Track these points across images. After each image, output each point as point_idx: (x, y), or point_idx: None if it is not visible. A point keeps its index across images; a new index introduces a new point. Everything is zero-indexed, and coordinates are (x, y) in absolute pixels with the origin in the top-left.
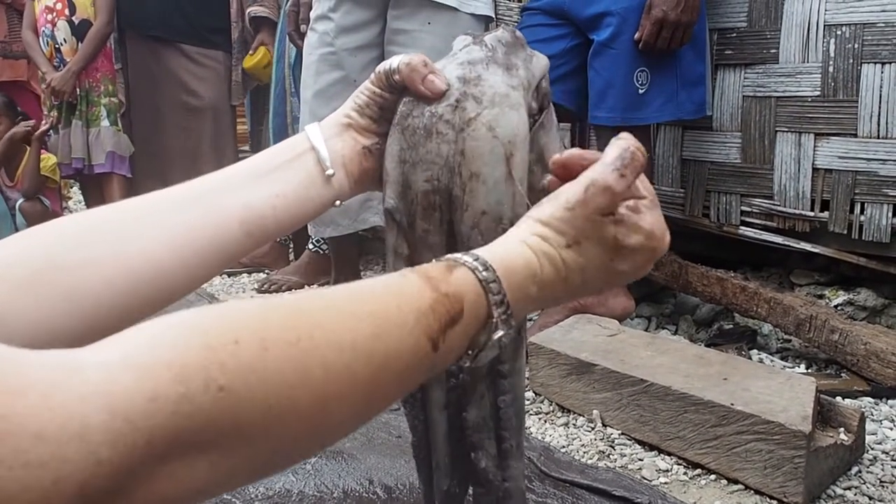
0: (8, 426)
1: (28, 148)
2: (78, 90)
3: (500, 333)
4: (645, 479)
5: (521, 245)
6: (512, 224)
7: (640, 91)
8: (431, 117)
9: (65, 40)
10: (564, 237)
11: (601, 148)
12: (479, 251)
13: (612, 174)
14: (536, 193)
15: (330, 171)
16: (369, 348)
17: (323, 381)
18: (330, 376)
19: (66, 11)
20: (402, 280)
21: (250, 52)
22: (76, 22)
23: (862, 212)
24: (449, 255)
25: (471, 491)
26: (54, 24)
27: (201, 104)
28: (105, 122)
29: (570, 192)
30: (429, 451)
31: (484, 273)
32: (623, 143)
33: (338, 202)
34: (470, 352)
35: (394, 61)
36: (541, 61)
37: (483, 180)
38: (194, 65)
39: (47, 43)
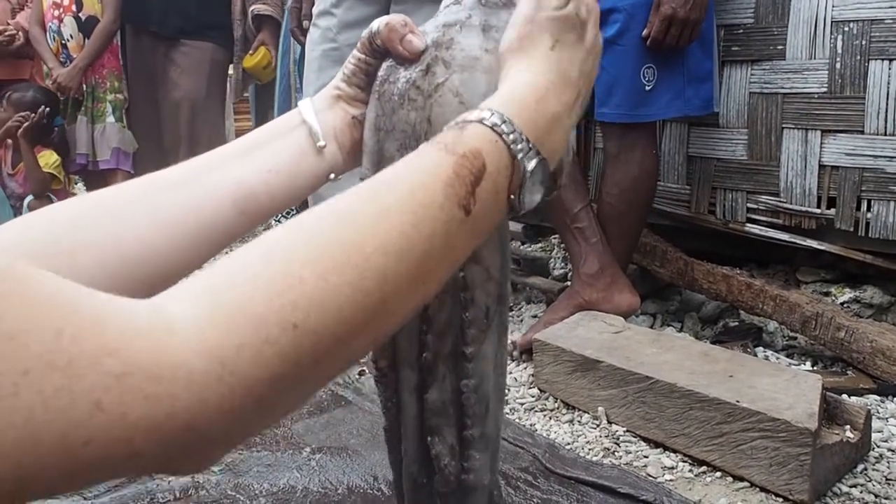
0: (131, 366)
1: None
2: (84, 86)
3: (532, 164)
4: (650, 476)
5: (519, 74)
6: None
7: (647, 88)
8: (406, 83)
9: (71, 36)
10: (542, 43)
11: (608, 146)
12: (483, 103)
13: None
14: None
15: (321, 143)
16: (410, 243)
17: (379, 289)
18: (384, 283)
19: (73, 7)
20: (420, 156)
21: (251, 51)
22: (83, 18)
23: (869, 209)
24: (459, 117)
25: None
26: (61, 20)
27: (179, 95)
28: (111, 119)
29: (520, 10)
30: (399, 436)
31: (492, 119)
32: None
33: (332, 175)
34: (512, 196)
35: (375, 24)
36: None
37: None
38: (179, 55)
39: (53, 38)
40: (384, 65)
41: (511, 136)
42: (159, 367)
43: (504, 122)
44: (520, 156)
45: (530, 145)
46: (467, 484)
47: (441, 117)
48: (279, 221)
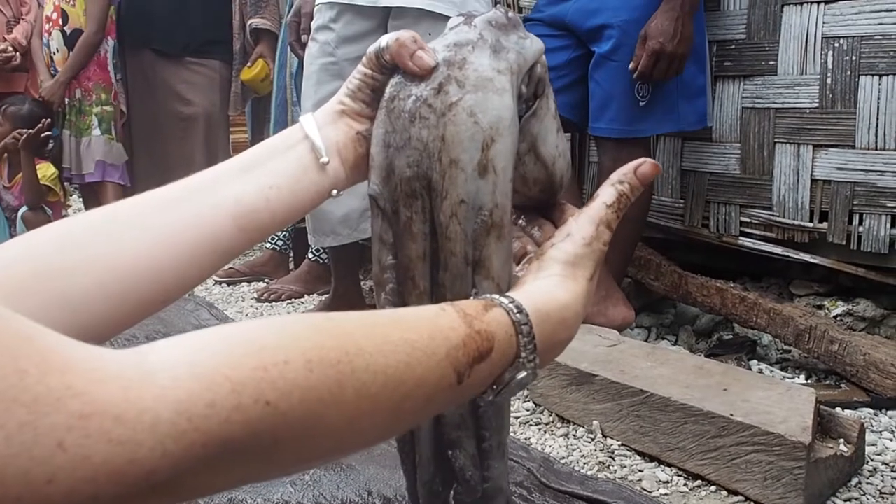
0: (94, 407)
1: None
2: (68, 100)
3: (522, 375)
4: (645, 490)
5: (559, 289)
6: (492, 214)
7: (641, 103)
8: (416, 101)
9: (57, 49)
10: (588, 270)
11: (602, 160)
12: (516, 293)
13: (613, 214)
14: (529, 185)
15: (325, 159)
16: (400, 375)
17: (355, 403)
18: (361, 399)
19: (60, 21)
20: (439, 312)
21: (249, 64)
22: (68, 32)
23: (860, 223)
24: (488, 295)
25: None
26: (50, 34)
27: (193, 112)
28: (96, 132)
29: (583, 229)
30: (413, 446)
31: (517, 315)
32: (622, 188)
33: (334, 191)
34: (494, 387)
35: (383, 40)
36: (534, 45)
37: (462, 167)
38: (188, 73)
39: (45, 52)
40: (392, 80)
41: (524, 340)
42: (125, 411)
43: (526, 324)
44: (522, 360)
45: (533, 357)
46: (489, 492)
47: (456, 136)
48: (284, 238)
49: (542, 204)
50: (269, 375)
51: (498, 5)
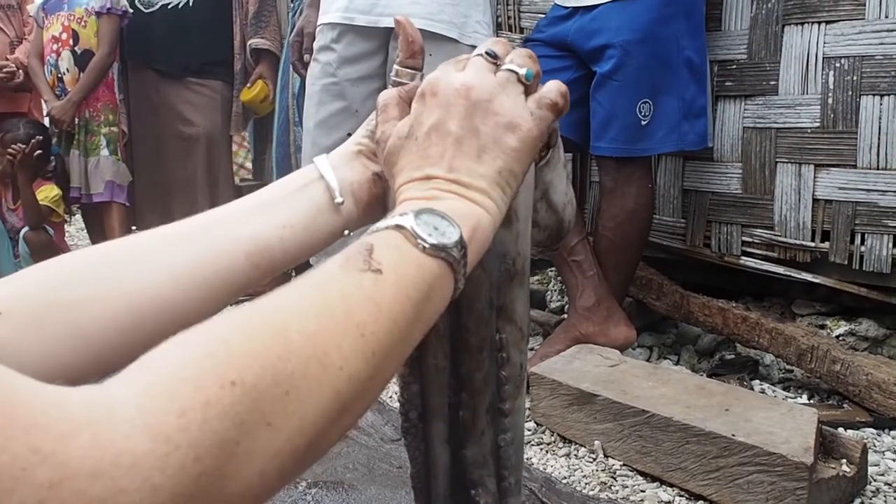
0: (64, 471)
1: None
2: (77, 120)
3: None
4: None
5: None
6: (515, 263)
7: (643, 122)
8: None
9: (67, 70)
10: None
11: (604, 180)
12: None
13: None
14: (541, 230)
15: (339, 199)
16: (322, 299)
17: (308, 342)
18: (310, 336)
19: (70, 42)
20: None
21: (248, 84)
22: (79, 52)
23: (862, 242)
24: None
25: None
26: (58, 54)
27: (195, 132)
28: (105, 152)
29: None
30: (428, 482)
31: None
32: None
33: (347, 231)
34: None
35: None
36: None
37: None
38: (190, 93)
39: (51, 72)
40: None
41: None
42: (99, 463)
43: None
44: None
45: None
46: None
47: None
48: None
49: (546, 247)
50: (218, 358)
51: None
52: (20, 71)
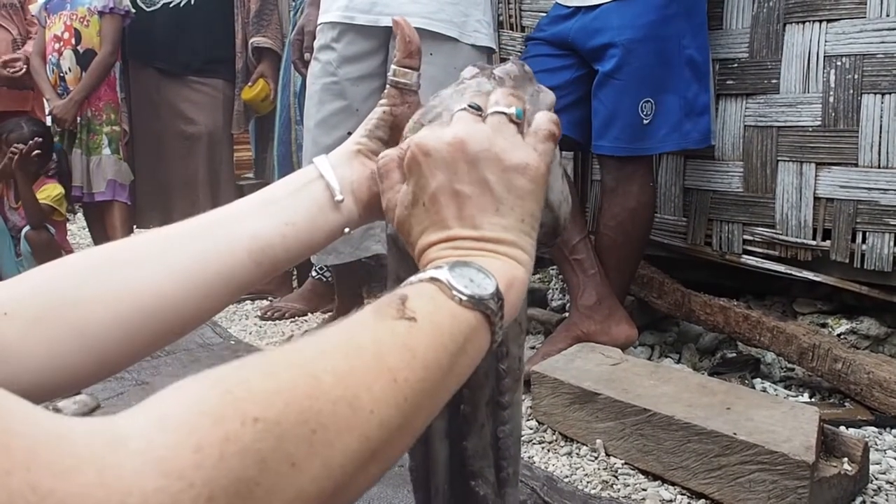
0: None
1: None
2: (79, 119)
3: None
4: None
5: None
6: None
7: (645, 121)
8: None
9: (69, 69)
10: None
11: (605, 178)
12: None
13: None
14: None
15: (339, 198)
16: (355, 342)
17: (339, 384)
18: (341, 379)
19: (73, 41)
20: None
21: (249, 83)
22: (81, 51)
23: (864, 241)
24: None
25: None
26: (60, 53)
27: (197, 131)
28: (106, 151)
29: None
30: (427, 476)
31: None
32: None
33: (347, 229)
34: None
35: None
36: (547, 97)
37: None
38: (191, 91)
39: (52, 71)
40: (410, 124)
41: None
42: (105, 501)
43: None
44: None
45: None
46: None
47: None
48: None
49: (543, 244)
50: (239, 394)
51: (511, 58)
52: (24, 66)
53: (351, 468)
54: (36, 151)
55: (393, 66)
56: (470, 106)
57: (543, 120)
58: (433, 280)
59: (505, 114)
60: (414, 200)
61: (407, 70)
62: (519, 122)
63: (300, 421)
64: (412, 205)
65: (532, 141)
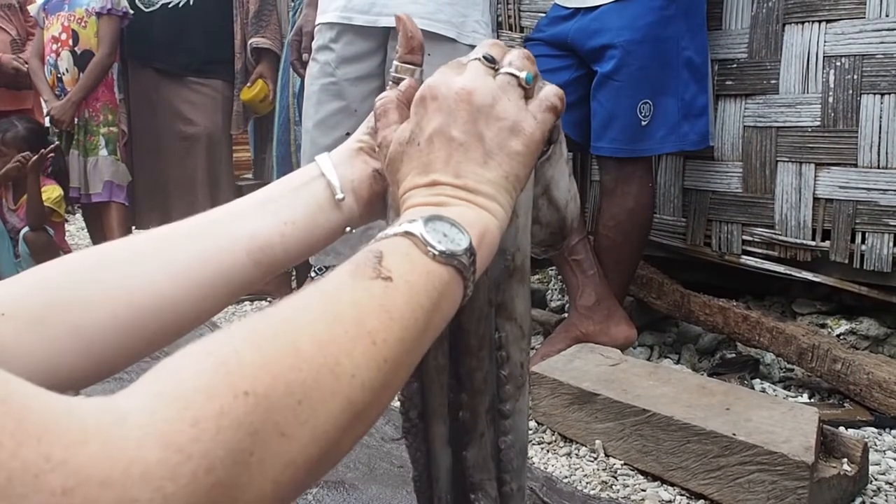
0: (76, 478)
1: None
2: (76, 120)
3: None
4: None
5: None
6: (514, 259)
7: (643, 122)
8: None
9: (67, 70)
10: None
11: (604, 179)
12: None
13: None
14: (543, 227)
15: (340, 196)
16: (333, 309)
17: (319, 352)
18: (322, 346)
19: (70, 42)
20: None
21: (248, 84)
22: (78, 52)
23: (863, 241)
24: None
25: None
26: (58, 54)
27: (196, 131)
28: (104, 152)
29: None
30: (430, 485)
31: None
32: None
33: (348, 228)
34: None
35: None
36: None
37: None
38: (190, 92)
39: (50, 72)
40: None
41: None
42: (110, 471)
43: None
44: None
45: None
46: None
47: None
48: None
49: (550, 246)
50: (231, 368)
51: (501, 29)
52: (26, 66)
53: (336, 432)
54: (51, 155)
55: (395, 63)
56: (485, 57)
57: (550, 92)
58: (408, 235)
59: (516, 76)
60: (410, 138)
61: (409, 66)
62: (527, 87)
63: (287, 392)
64: (407, 143)
65: (534, 108)
